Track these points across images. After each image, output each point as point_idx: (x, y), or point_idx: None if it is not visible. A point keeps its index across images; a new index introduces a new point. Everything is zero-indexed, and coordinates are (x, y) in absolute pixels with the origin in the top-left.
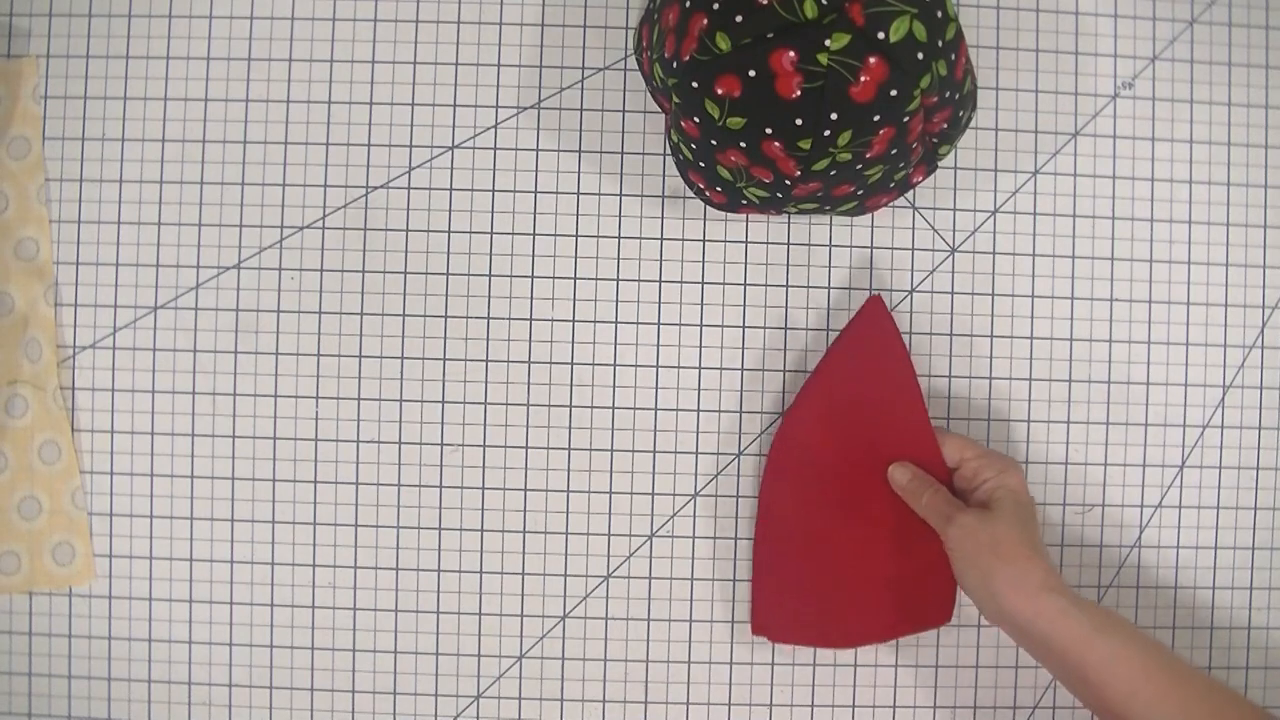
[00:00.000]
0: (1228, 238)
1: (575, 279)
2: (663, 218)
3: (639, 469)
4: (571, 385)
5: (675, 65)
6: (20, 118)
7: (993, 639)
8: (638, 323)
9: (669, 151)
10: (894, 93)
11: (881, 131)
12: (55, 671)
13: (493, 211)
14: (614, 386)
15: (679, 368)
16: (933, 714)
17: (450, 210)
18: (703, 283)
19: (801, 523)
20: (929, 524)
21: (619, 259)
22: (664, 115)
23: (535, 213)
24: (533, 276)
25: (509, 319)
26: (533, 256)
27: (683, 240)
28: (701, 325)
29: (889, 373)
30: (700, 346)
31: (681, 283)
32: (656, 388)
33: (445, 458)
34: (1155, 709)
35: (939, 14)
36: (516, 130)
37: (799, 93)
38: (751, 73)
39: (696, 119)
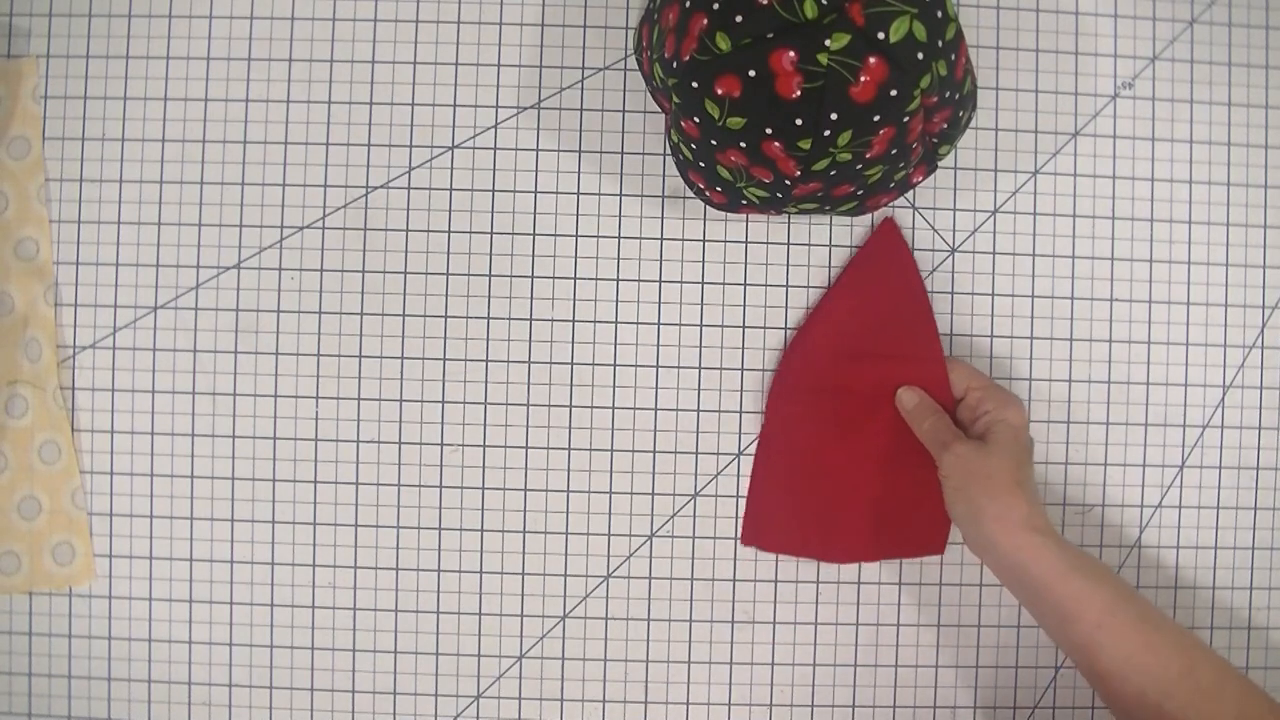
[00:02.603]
0: (1228, 238)
1: (575, 279)
2: (663, 218)
3: (639, 469)
4: (571, 385)
5: (675, 65)
6: (20, 118)
7: (993, 639)
8: (638, 323)
9: (669, 151)
10: (894, 93)
11: (881, 131)
12: (55, 671)
13: (493, 211)
14: (614, 386)
15: (679, 368)
16: (933, 714)
17: (450, 210)
18: (703, 283)
19: (802, 436)
20: (928, 450)
21: (619, 259)
22: (664, 115)
23: (535, 213)
24: (533, 276)
25: (509, 319)
26: (533, 256)
27: (683, 240)
28: (701, 325)
29: (901, 296)
30: (700, 346)
31: (681, 283)
32: (656, 388)
33: (445, 458)
34: (1121, 640)
35: (939, 14)
36: (516, 130)
37: (799, 93)
38: (751, 73)
39: (696, 119)
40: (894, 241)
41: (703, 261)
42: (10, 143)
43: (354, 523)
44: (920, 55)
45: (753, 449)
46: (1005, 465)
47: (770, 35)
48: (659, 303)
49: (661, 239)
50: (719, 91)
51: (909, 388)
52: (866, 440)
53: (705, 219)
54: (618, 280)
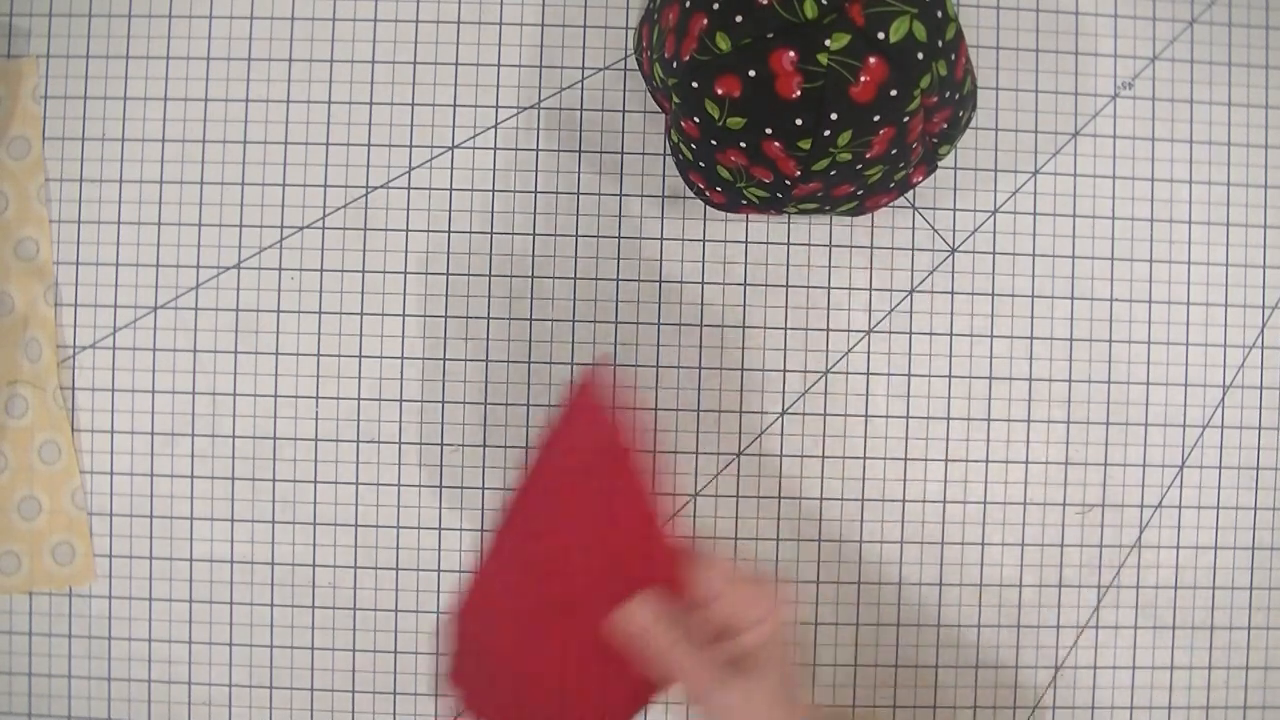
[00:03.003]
0: (1228, 238)
1: (575, 279)
2: (663, 218)
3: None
4: (572, 385)
5: (675, 65)
6: (20, 118)
7: (993, 639)
8: (638, 323)
9: (669, 151)
10: (894, 93)
11: (881, 131)
12: (55, 671)
13: (493, 211)
14: (613, 386)
15: (679, 368)
16: (933, 714)
17: (450, 210)
18: (703, 283)
19: (496, 647)
20: (665, 680)
21: (619, 259)
22: (664, 115)
23: (535, 213)
24: (533, 276)
25: (509, 319)
26: (533, 256)
27: (683, 240)
28: (701, 325)
29: (607, 467)
30: (700, 346)
31: (681, 283)
32: (656, 388)
33: (445, 458)
34: None
35: (939, 14)
36: (516, 130)
37: (799, 93)
38: (751, 73)
39: (696, 119)
40: (592, 404)
41: (703, 261)
42: (10, 143)
43: (354, 523)
44: (920, 55)
45: (754, 448)
46: (781, 702)
47: (770, 35)
48: (659, 303)
49: (661, 239)
50: (719, 91)
51: (644, 599)
52: (557, 635)
53: (705, 219)
54: (618, 280)
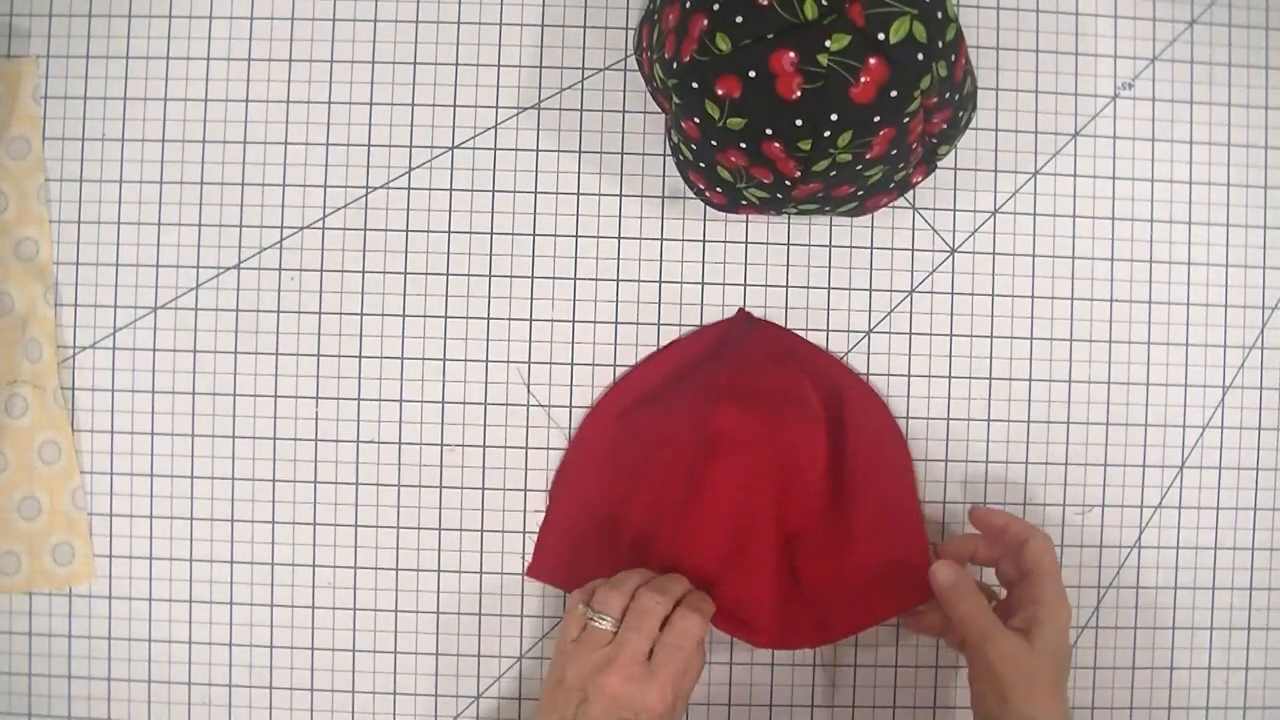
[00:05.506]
0: (1228, 238)
1: (575, 279)
2: (663, 218)
3: None
4: (571, 386)
5: (675, 66)
6: (20, 118)
7: None
8: (638, 323)
9: (669, 151)
10: (894, 93)
11: (881, 132)
12: (55, 671)
13: (493, 211)
14: (614, 386)
15: None
16: (933, 714)
17: (450, 210)
18: (703, 283)
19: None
20: (960, 633)
21: (619, 259)
22: (664, 115)
23: (535, 213)
24: (533, 277)
25: (509, 319)
26: (533, 256)
27: (683, 240)
28: (702, 326)
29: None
30: None
31: (681, 283)
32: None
33: (445, 458)
34: None
35: (939, 15)
36: (516, 130)
37: (799, 93)
38: (751, 73)
39: (696, 119)
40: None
41: (703, 261)
42: (10, 143)
43: (354, 523)
44: (920, 56)
45: None
46: (1048, 666)
47: (770, 36)
48: (659, 303)
49: (661, 239)
50: (719, 92)
51: (945, 563)
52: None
53: (705, 219)
54: (618, 280)
